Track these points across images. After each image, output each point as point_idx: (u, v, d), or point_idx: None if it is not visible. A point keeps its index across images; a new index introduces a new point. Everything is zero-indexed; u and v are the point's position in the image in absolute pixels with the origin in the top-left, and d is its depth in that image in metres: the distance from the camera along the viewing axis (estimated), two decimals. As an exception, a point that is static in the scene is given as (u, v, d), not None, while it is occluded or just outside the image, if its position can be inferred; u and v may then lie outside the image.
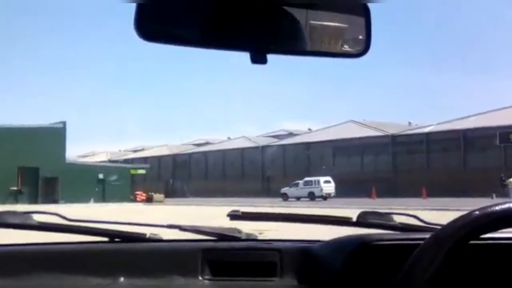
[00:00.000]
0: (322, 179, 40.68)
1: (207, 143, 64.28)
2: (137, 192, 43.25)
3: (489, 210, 0.99)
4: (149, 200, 41.14)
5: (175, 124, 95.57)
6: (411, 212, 1.93)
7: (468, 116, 43.20)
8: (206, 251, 1.66)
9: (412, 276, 0.99)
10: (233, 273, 1.64)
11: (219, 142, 61.63)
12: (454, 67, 64.74)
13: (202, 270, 1.64)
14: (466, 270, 1.37)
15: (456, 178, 37.62)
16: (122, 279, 1.63)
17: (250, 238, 1.80)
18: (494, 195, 31.71)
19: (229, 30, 1.13)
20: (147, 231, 1.79)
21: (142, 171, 48.22)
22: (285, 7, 1.15)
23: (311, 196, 39.67)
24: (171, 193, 50.03)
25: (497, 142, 39.14)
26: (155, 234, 1.79)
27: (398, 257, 1.15)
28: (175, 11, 1.13)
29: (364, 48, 1.23)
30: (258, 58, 1.12)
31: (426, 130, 43.88)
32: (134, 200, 41.45)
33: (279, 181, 47.26)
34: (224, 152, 57.29)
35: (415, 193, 34.71)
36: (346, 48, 1.24)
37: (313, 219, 2.01)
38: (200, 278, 1.63)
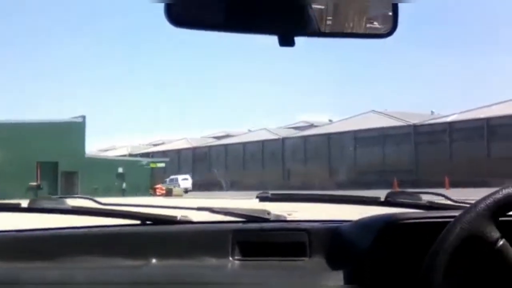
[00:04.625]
0: (180, 177, 45.39)
1: (227, 136, 63.95)
2: (157, 186, 43.23)
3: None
4: (168, 194, 41.04)
5: (195, 117, 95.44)
6: None
7: (491, 105, 42.13)
8: (236, 232, 1.69)
9: (443, 251, 1.02)
10: (263, 253, 1.66)
11: (240, 135, 61.30)
12: (481, 51, 63.34)
13: (232, 250, 1.67)
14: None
15: (480, 168, 36.82)
16: (154, 260, 1.66)
17: (279, 219, 1.83)
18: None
19: (256, 13, 1.14)
20: (178, 214, 1.83)
21: (162, 165, 48.24)
22: None
23: None
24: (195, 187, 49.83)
25: (523, 130, 38.17)
26: (186, 216, 1.83)
27: (427, 235, 1.22)
28: None
29: (391, 27, 1.21)
30: (286, 40, 1.13)
31: (449, 119, 42.88)
32: (153, 194, 41.41)
33: (299, 173, 46.94)
34: (244, 144, 57.01)
35: (438, 184, 34.01)
36: (374, 27, 1.23)
37: (341, 199, 2.03)
38: (230, 258, 1.66)
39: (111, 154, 61.07)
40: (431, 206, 1.73)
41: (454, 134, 41.81)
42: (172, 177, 46.65)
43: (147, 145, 71.79)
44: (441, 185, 33.82)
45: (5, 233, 1.81)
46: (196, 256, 1.66)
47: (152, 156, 57.64)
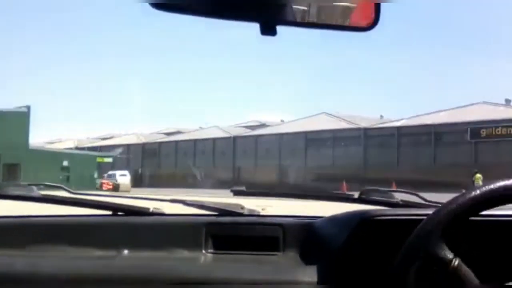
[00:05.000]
0: (118, 172, 44.65)
1: (178, 132, 63.31)
2: (103, 181, 42.30)
3: (488, 188, 1.06)
4: (115, 189, 40.19)
5: (146, 113, 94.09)
6: None
7: (440, 111, 43.07)
8: (209, 225, 1.70)
9: (415, 249, 1.05)
10: (236, 247, 1.67)
11: (191, 132, 60.81)
12: (429, 61, 64.74)
13: (205, 243, 1.67)
14: (466, 247, 1.35)
15: (426, 173, 37.49)
16: (126, 251, 1.65)
17: (253, 214, 1.82)
18: (463, 191, 31.39)
19: (238, 0, 1.15)
20: (150, 206, 1.81)
21: (109, 159, 47.32)
22: None
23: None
24: (140, 183, 49.18)
25: (468, 138, 39.09)
26: (158, 209, 1.81)
27: (399, 232, 1.25)
28: None
29: (373, 20, 1.22)
30: (268, 29, 1.13)
31: (398, 124, 43.58)
32: (100, 188, 40.48)
33: (249, 172, 47.03)
34: (195, 141, 56.57)
35: (385, 187, 34.40)
36: (356, 20, 1.24)
37: (315, 196, 2.06)
38: (203, 251, 1.67)
39: (57, 147, 59.55)
40: (404, 205, 1.77)
41: (403, 139, 42.48)
42: (110, 172, 45.65)
43: (94, 139, 70.32)
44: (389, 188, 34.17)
45: None
46: (168, 248, 1.65)
47: (100, 150, 56.49)
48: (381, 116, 51.20)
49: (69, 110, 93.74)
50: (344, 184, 36.30)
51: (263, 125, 58.04)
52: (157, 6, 1.10)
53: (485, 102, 42.18)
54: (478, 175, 32.02)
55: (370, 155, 44.08)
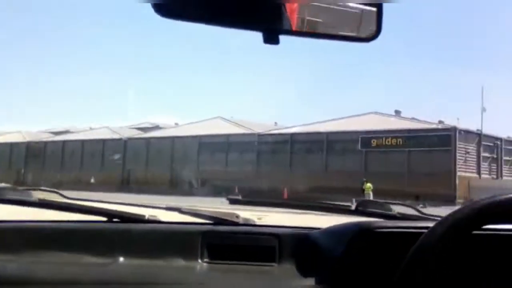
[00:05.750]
0: None
1: (66, 132, 60.22)
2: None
3: (493, 200, 1.03)
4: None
5: (32, 110, 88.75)
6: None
7: (333, 120, 43.65)
8: (206, 234, 1.69)
9: (417, 263, 1.04)
10: (232, 256, 1.66)
11: (80, 132, 58.08)
12: (326, 72, 65.87)
13: (201, 252, 1.66)
14: (469, 260, 1.38)
15: (317, 181, 37.75)
16: (121, 258, 1.64)
17: (249, 223, 1.81)
18: (354, 199, 31.84)
19: (242, 9, 1.17)
20: (146, 213, 1.81)
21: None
22: None
23: None
24: (22, 183, 46.02)
25: (359, 147, 39.69)
26: (154, 216, 1.80)
27: (398, 245, 1.27)
28: None
29: (375, 30, 1.25)
30: (271, 38, 1.16)
31: (291, 130, 43.62)
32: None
33: (140, 176, 46.10)
34: (83, 142, 54.07)
35: (278, 194, 34.21)
36: (358, 30, 1.26)
37: (312, 206, 2.02)
38: (199, 260, 1.66)
39: None
40: (401, 217, 1.74)
41: (296, 146, 42.55)
42: None
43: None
44: (280, 195, 34.13)
45: None
46: (164, 257, 1.64)
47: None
48: (276, 123, 51.66)
49: None
50: (236, 189, 35.82)
51: (156, 127, 56.67)
52: (164, 14, 1.12)
53: (376, 113, 43.24)
54: (368, 185, 32.42)
55: (263, 161, 43.92)
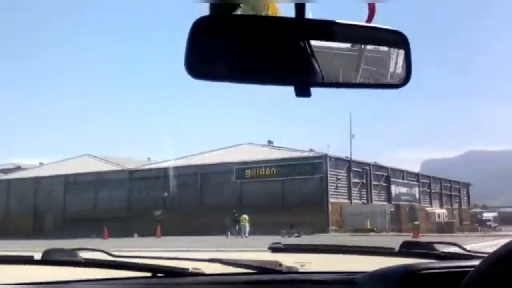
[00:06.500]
0: None
1: None
2: None
3: None
4: None
5: None
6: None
7: (207, 152, 42.92)
8: (248, 284, 1.69)
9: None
10: None
11: None
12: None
13: None
14: None
15: (193, 216, 36.71)
16: None
17: (292, 271, 1.79)
18: (229, 232, 31.18)
19: (275, 66, 1.20)
20: (189, 266, 1.82)
21: None
22: (324, 42, 1.23)
23: None
24: None
25: (234, 178, 39.14)
26: (197, 269, 1.82)
27: (446, 285, 1.29)
28: (220, 51, 1.20)
29: (405, 77, 1.27)
30: (302, 91, 1.18)
31: (164, 165, 42.06)
32: None
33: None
34: None
35: (151, 232, 32.55)
36: (388, 77, 1.29)
37: (355, 250, 2.01)
38: None
39: None
40: (446, 256, 1.73)
41: (169, 181, 41.06)
42: None
43: None
44: (153, 233, 32.53)
45: (19, 285, 1.78)
46: None
47: None
48: (149, 158, 50.51)
49: None
50: (105, 230, 33.72)
51: (18, 168, 53.19)
52: (196, 75, 1.16)
53: (250, 143, 43.07)
54: (244, 216, 31.79)
55: (135, 199, 42.16)
